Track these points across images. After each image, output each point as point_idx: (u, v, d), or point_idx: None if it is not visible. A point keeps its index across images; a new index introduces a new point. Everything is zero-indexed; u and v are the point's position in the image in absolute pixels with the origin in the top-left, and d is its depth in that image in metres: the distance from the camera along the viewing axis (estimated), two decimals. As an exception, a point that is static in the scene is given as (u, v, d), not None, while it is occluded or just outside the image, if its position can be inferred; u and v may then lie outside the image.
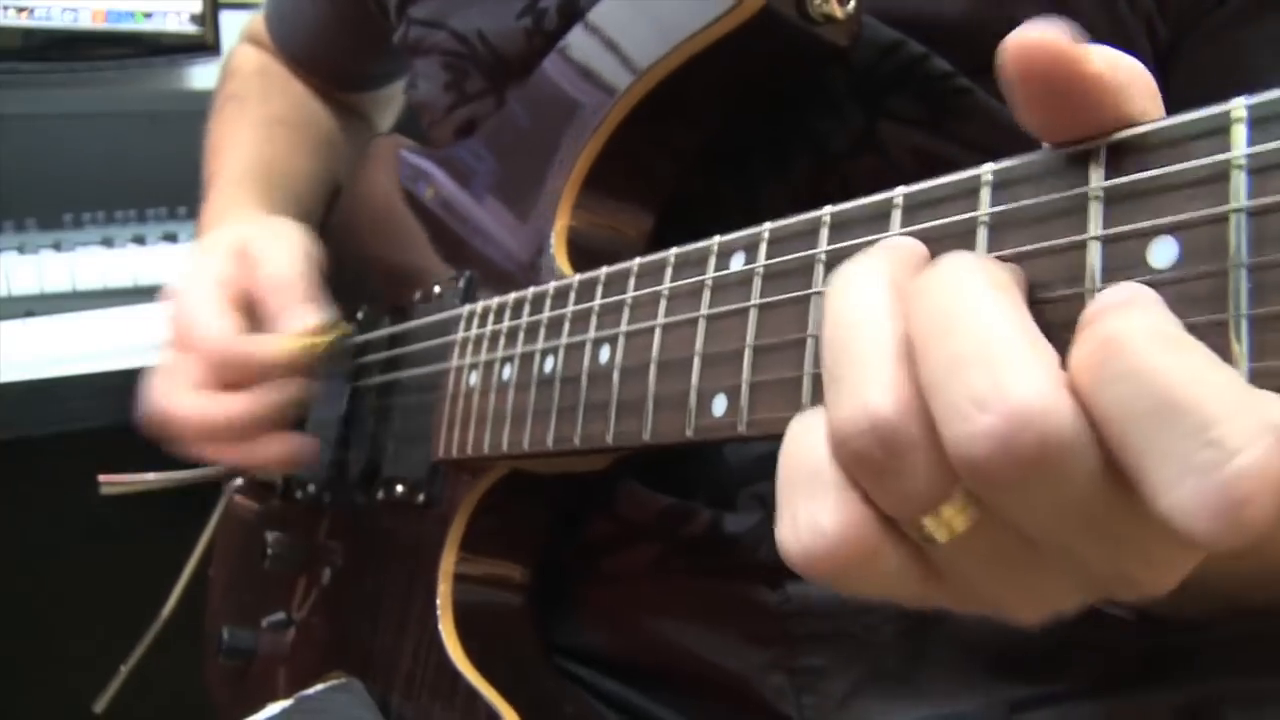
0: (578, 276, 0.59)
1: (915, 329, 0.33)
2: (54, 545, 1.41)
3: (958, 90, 0.62)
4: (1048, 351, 0.31)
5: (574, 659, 0.74)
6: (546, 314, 0.60)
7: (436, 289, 0.77)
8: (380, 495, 0.77)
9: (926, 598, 0.36)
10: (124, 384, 1.10)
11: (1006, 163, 0.37)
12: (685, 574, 0.70)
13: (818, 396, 0.42)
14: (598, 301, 0.56)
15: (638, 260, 0.54)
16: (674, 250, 0.52)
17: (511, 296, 0.65)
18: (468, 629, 0.68)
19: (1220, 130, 0.31)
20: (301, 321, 0.76)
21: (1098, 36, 0.62)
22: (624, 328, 0.54)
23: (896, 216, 0.40)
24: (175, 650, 0.99)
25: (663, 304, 0.51)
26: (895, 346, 0.33)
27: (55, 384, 1.10)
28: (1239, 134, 0.30)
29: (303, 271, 0.79)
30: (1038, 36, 0.32)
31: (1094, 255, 0.33)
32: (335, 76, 1.06)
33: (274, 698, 0.77)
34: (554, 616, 0.74)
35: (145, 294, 1.29)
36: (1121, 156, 0.33)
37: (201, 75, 1.52)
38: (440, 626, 0.68)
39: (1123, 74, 0.33)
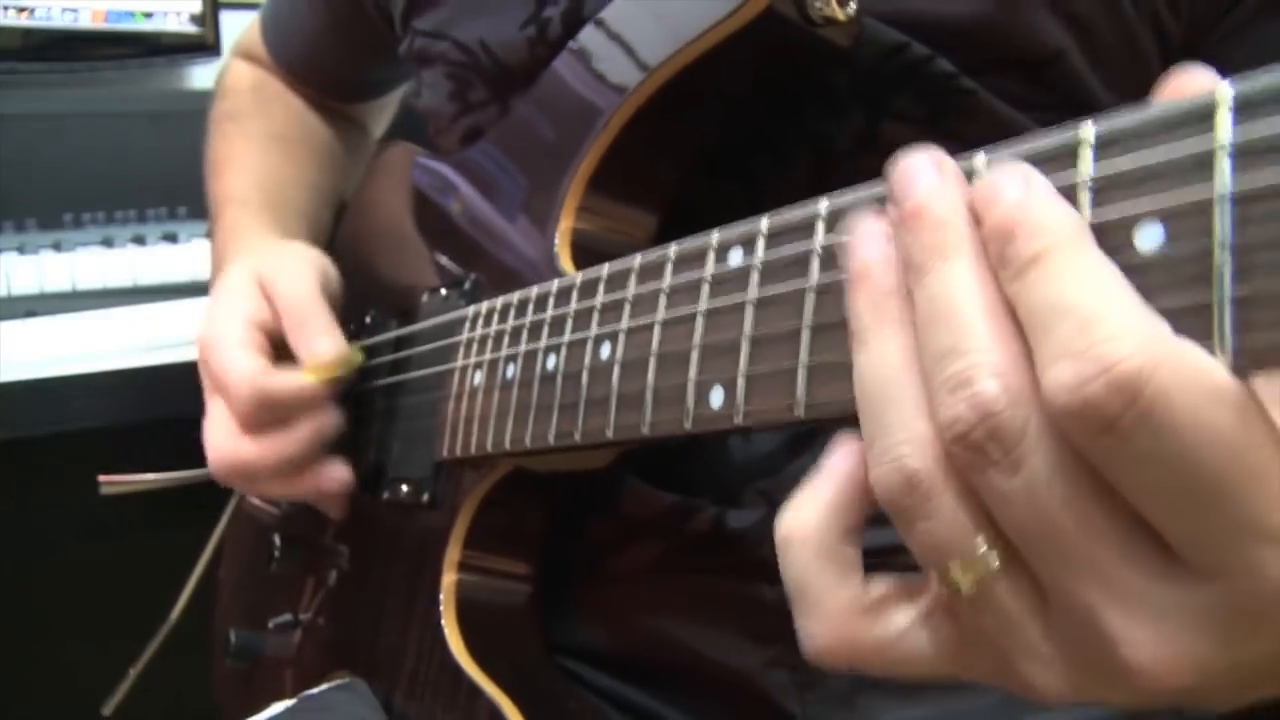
0: (580, 275, 0.59)
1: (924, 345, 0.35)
2: (54, 545, 1.41)
3: (961, 91, 0.62)
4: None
5: (576, 657, 0.74)
6: (550, 312, 0.61)
7: (443, 291, 0.77)
8: (385, 496, 0.78)
9: (956, 667, 0.38)
10: (124, 384, 1.11)
11: (1000, 150, 0.37)
12: (688, 572, 0.70)
13: (813, 388, 0.42)
14: (599, 299, 0.57)
15: (639, 257, 0.55)
16: (674, 246, 0.52)
17: (515, 296, 0.65)
18: (471, 626, 0.68)
19: (1205, 116, 0.31)
20: (321, 352, 0.77)
21: (1098, 34, 0.63)
22: (625, 324, 0.54)
23: (891, 209, 0.40)
24: (184, 652, 0.99)
25: (662, 300, 0.52)
26: (918, 394, 0.35)
27: (55, 384, 1.11)
28: (1224, 119, 0.30)
29: (320, 299, 0.79)
30: None
31: None
32: (332, 86, 1.06)
33: (280, 699, 0.77)
34: (557, 615, 0.74)
35: (145, 294, 1.30)
36: (1110, 145, 0.33)
37: (201, 75, 1.53)
38: (443, 623, 0.68)
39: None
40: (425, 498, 0.73)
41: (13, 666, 1.41)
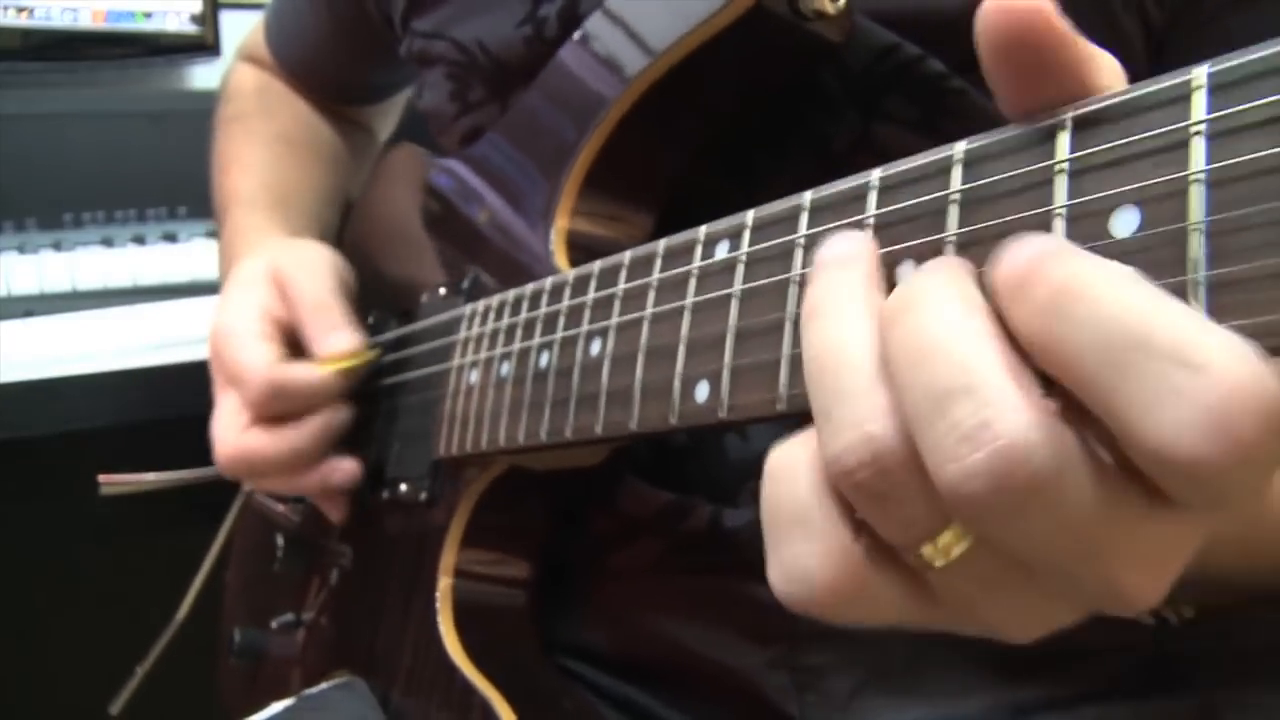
0: (572, 272, 0.59)
1: (893, 357, 0.32)
2: (55, 545, 1.41)
3: (952, 91, 0.61)
4: (1028, 377, 0.30)
5: (576, 656, 0.74)
6: (543, 310, 0.61)
7: (442, 291, 0.77)
8: (385, 495, 0.78)
9: (925, 622, 0.36)
10: (124, 384, 1.11)
11: (979, 140, 0.37)
12: (687, 571, 0.70)
13: (795, 380, 0.42)
14: (590, 295, 0.56)
15: (629, 253, 0.54)
16: (663, 241, 0.52)
17: (511, 294, 0.65)
18: (466, 624, 0.68)
19: (1181, 98, 0.30)
20: (336, 345, 0.77)
21: (1081, 24, 0.62)
22: (615, 320, 0.54)
23: (873, 198, 0.40)
24: (190, 652, 0.99)
25: (651, 295, 0.51)
26: (879, 371, 0.32)
27: (55, 384, 1.10)
28: (1199, 101, 0.30)
29: (335, 294, 0.79)
30: None
31: (1058, 228, 0.33)
32: (336, 90, 1.06)
33: (284, 698, 0.77)
34: (557, 614, 0.73)
35: (145, 294, 1.30)
36: (1087, 128, 0.33)
37: (201, 75, 1.53)
38: (439, 621, 0.68)
39: (1091, 45, 0.33)
40: (423, 496, 0.73)
41: (15, 667, 1.41)
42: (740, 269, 0.46)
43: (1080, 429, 0.30)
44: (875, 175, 0.40)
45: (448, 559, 0.69)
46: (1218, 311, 0.28)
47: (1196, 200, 0.29)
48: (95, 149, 1.44)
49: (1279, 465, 0.27)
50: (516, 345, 0.62)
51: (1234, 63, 0.30)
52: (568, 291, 0.59)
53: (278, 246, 0.86)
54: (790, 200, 0.44)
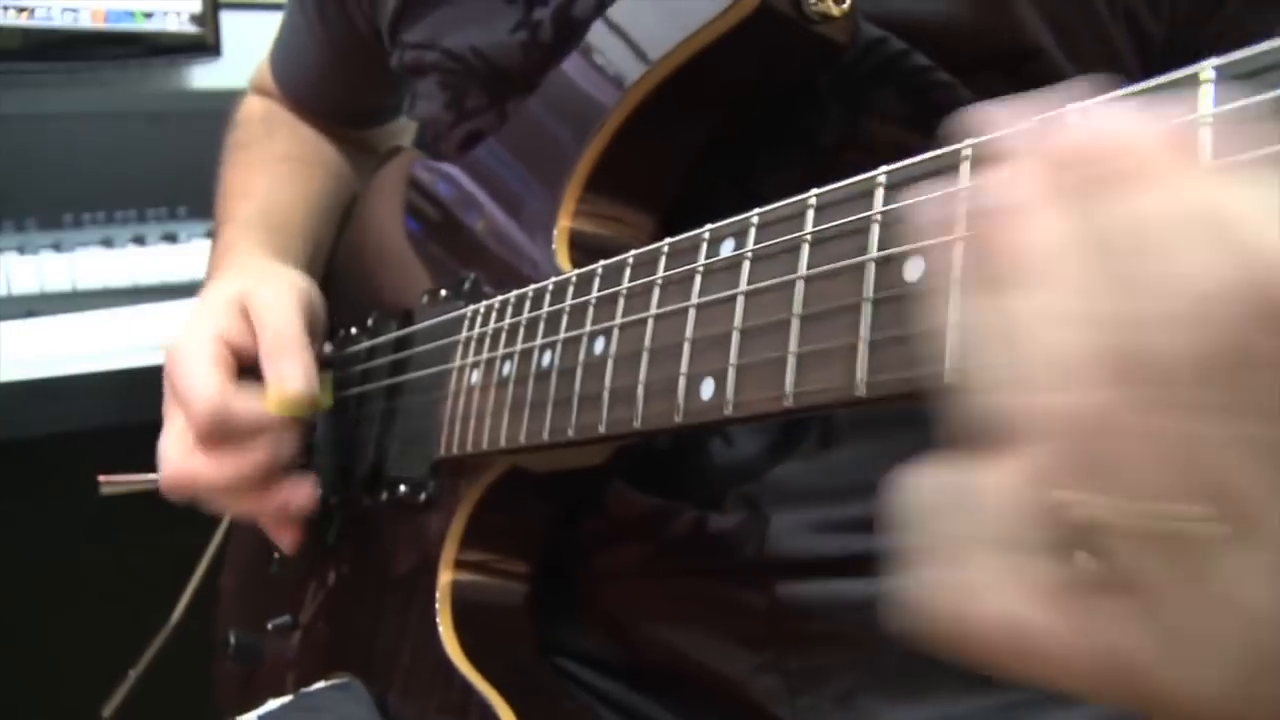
0: (575, 271, 0.59)
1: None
2: (54, 546, 1.41)
3: (940, 85, 0.62)
4: None
5: (572, 658, 0.73)
6: (546, 309, 0.61)
7: (442, 292, 0.77)
8: (384, 496, 0.78)
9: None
10: (124, 384, 1.10)
11: (984, 138, 0.37)
12: (673, 574, 0.70)
13: (801, 377, 0.42)
14: (594, 295, 0.57)
15: (633, 252, 0.55)
16: (668, 240, 0.52)
17: (513, 294, 0.65)
18: (465, 624, 0.68)
19: (1189, 92, 0.31)
20: (287, 380, 0.76)
21: (1074, 32, 0.63)
22: (618, 319, 0.54)
23: (879, 195, 0.40)
24: (185, 655, 0.99)
25: (656, 293, 0.52)
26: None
27: (55, 384, 1.10)
28: (1206, 94, 0.30)
29: (299, 331, 0.78)
30: None
31: None
32: (341, 115, 1.06)
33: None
34: (554, 616, 0.73)
35: (145, 294, 1.30)
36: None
37: (201, 75, 1.52)
38: (438, 621, 0.68)
39: None
40: (423, 497, 0.73)
41: (12, 667, 1.41)
42: (746, 267, 0.46)
43: None
44: (881, 173, 0.41)
45: (447, 558, 0.69)
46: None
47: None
48: (95, 149, 1.43)
49: None
50: (519, 345, 0.62)
51: (1240, 56, 0.30)
52: (571, 291, 0.59)
53: (254, 272, 0.86)
54: (795, 198, 0.45)
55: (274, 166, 1.00)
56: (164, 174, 1.42)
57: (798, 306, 0.42)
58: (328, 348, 0.86)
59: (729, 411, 0.45)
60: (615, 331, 0.54)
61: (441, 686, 0.67)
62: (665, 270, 0.52)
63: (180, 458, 0.76)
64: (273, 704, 0.76)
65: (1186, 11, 0.61)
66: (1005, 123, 0.32)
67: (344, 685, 0.77)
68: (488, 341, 0.66)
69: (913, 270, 0.38)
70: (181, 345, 0.78)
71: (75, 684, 1.05)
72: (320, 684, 0.78)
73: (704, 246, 0.49)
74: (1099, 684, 0.28)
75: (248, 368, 0.78)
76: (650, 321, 0.51)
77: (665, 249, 0.52)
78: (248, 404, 0.75)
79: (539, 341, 0.60)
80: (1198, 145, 0.29)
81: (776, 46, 0.60)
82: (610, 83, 0.65)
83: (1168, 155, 0.28)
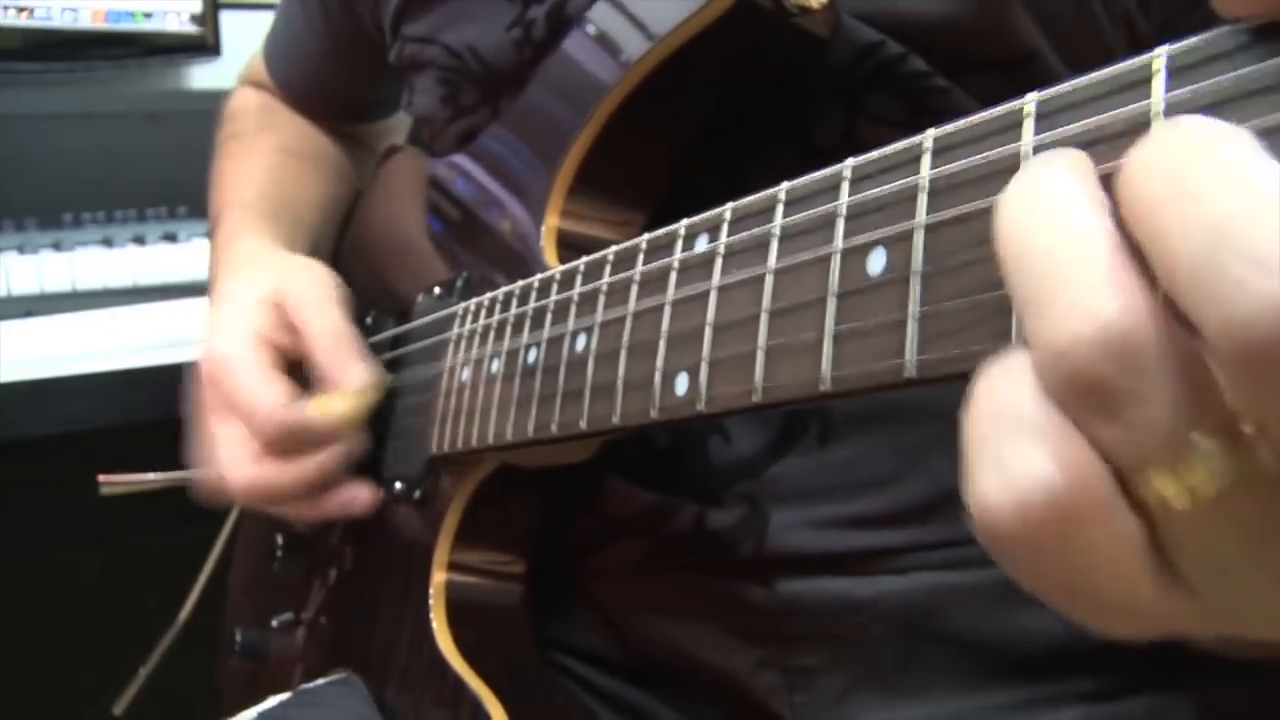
0: (559, 268, 0.59)
1: (1144, 210, 0.26)
2: (54, 546, 1.41)
3: (935, 90, 0.61)
4: None
5: (570, 653, 0.74)
6: (531, 306, 0.61)
7: (436, 290, 0.77)
8: (384, 494, 0.77)
9: (1157, 603, 0.28)
10: (124, 384, 1.10)
11: (947, 128, 0.36)
12: (674, 570, 0.70)
13: (771, 371, 0.42)
14: (576, 291, 0.56)
15: (614, 248, 0.54)
16: (646, 236, 0.52)
17: (501, 291, 0.65)
18: (459, 621, 0.68)
19: (1142, 81, 0.30)
20: (357, 381, 0.75)
21: (1066, 33, 0.62)
22: (599, 316, 0.54)
23: (845, 188, 0.40)
24: (193, 653, 0.99)
25: (634, 289, 0.51)
26: (1112, 243, 0.26)
27: (55, 384, 1.10)
28: (1159, 84, 0.30)
29: (347, 324, 0.77)
30: None
31: None
32: (337, 109, 1.05)
33: (284, 697, 0.78)
34: (552, 612, 0.73)
35: (145, 294, 1.30)
36: (1053, 114, 0.33)
37: (201, 75, 1.51)
38: (432, 618, 0.68)
39: None
40: (417, 495, 0.73)
41: (16, 668, 1.42)
42: (719, 262, 0.46)
43: None
44: (848, 165, 0.40)
45: (441, 556, 0.69)
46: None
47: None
48: (95, 149, 1.44)
49: None
50: (506, 343, 0.62)
51: (1191, 43, 0.29)
52: (555, 287, 0.59)
53: (276, 265, 0.84)
54: (766, 192, 0.44)
55: (274, 157, 0.99)
56: (164, 173, 1.41)
57: (766, 301, 0.42)
58: None
59: (702, 407, 0.45)
60: (595, 329, 0.54)
61: (435, 683, 0.67)
62: (643, 265, 0.51)
63: (248, 467, 0.75)
64: (272, 700, 0.76)
65: (1173, 7, 0.61)
66: None
67: (343, 680, 0.77)
68: (477, 339, 0.66)
69: (875, 263, 0.37)
70: (223, 350, 0.76)
71: (77, 685, 1.06)
72: (320, 680, 0.78)
73: (679, 241, 0.49)
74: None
75: (290, 367, 0.77)
76: (629, 318, 0.51)
77: (643, 244, 0.52)
78: (320, 415, 0.74)
79: (525, 339, 0.60)
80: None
81: (757, 40, 0.59)
82: (610, 63, 0.64)
83: None
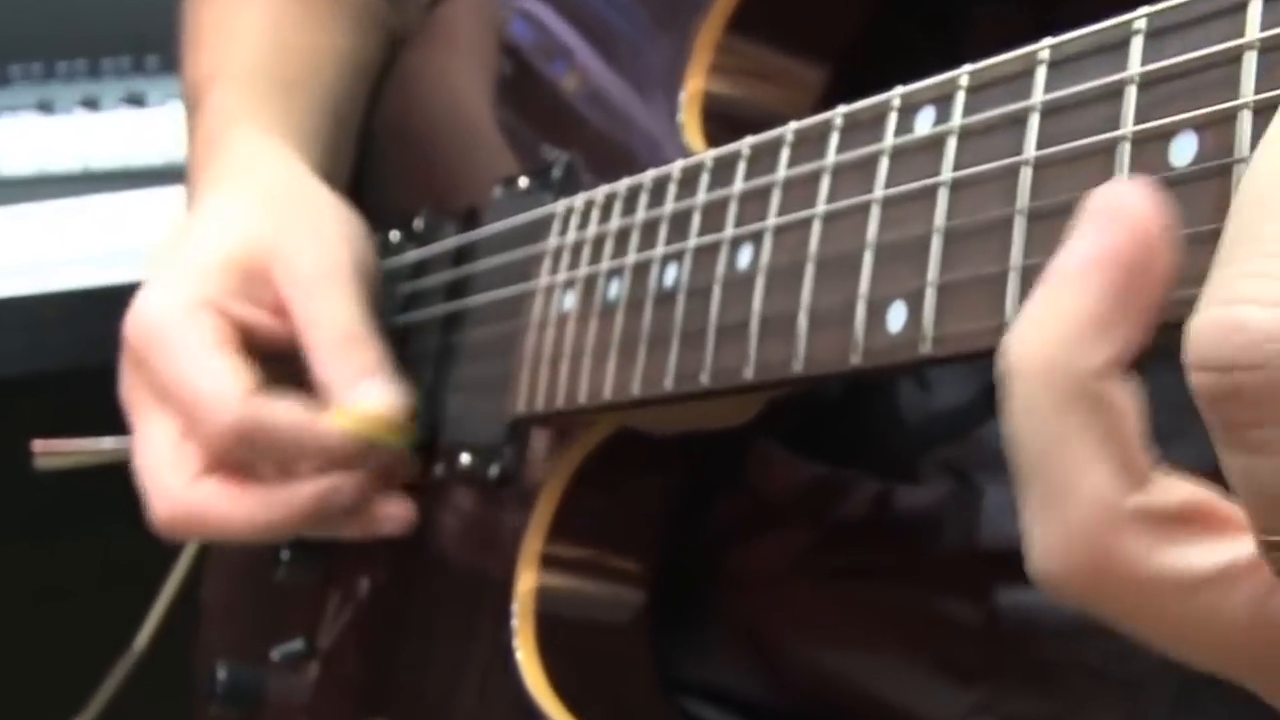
0: (711, 153, 0.63)
1: None
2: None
3: None
4: None
5: (703, 696, 0.77)
6: (669, 207, 0.64)
7: (522, 181, 0.80)
8: (439, 470, 0.81)
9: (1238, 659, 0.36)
10: (66, 313, 1.11)
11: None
12: (847, 576, 0.73)
13: (1027, 297, 0.45)
14: (738, 186, 0.60)
15: (793, 126, 0.58)
16: (840, 110, 0.55)
17: (622, 185, 0.68)
18: (555, 650, 0.72)
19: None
20: (368, 403, 0.78)
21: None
22: (772, 220, 0.57)
23: (1137, 44, 0.43)
24: (153, 695, 1.03)
25: (824, 184, 0.55)
26: None
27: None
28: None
29: (364, 315, 0.81)
30: None
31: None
32: None
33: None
34: (679, 637, 0.77)
35: (98, 181, 1.32)
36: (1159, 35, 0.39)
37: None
38: (516, 646, 0.72)
39: None
40: (494, 472, 0.76)
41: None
42: (951, 145, 0.49)
43: None
44: (1142, 14, 0.43)
45: (530, 555, 0.73)
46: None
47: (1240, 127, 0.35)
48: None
49: None
50: (630, 257, 0.66)
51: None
52: (705, 179, 0.62)
53: (272, 195, 0.86)
54: (1019, 52, 0.47)
55: (275, 2, 1.01)
56: (126, 10, 1.44)
57: (1023, 200, 0.45)
58: None
59: (927, 349, 0.48)
60: (767, 237, 0.57)
61: (518, 737, 0.71)
62: (838, 151, 0.55)
63: (180, 484, 0.78)
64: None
65: None
66: None
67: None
68: (586, 251, 0.70)
69: (1182, 151, 0.41)
70: (152, 315, 0.79)
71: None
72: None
73: (892, 117, 0.52)
74: None
75: (264, 354, 0.80)
76: (817, 222, 0.54)
77: (838, 121, 0.55)
78: (293, 418, 0.77)
79: (659, 251, 0.64)
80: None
81: None
82: None
83: None
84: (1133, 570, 0.34)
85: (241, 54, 0.96)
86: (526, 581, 0.74)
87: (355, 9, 1.04)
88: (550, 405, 0.71)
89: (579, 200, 0.72)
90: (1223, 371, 0.30)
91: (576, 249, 0.71)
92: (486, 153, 0.86)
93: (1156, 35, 0.43)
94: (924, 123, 0.51)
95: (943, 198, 0.49)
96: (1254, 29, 0.39)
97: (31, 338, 1.17)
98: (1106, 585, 0.35)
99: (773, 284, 0.57)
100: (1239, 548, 0.34)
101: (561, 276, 0.72)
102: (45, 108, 1.44)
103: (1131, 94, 0.43)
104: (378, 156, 0.88)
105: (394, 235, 0.91)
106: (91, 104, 1.45)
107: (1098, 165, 0.43)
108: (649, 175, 0.67)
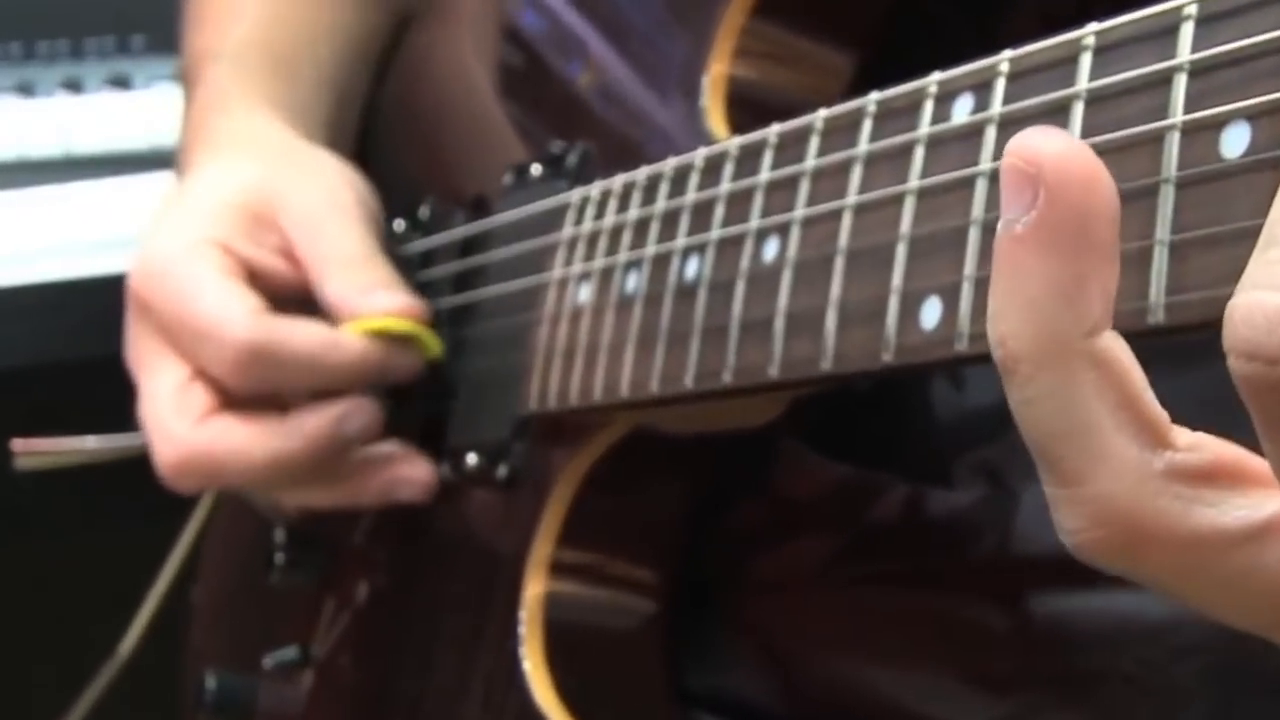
0: (736, 140, 0.63)
1: None
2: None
3: None
4: None
5: (720, 710, 0.77)
6: (691, 196, 0.65)
7: (535, 169, 0.81)
8: (445, 471, 0.82)
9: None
10: (48, 303, 1.11)
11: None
12: (873, 581, 0.74)
13: None
14: (765, 175, 0.60)
15: (823, 113, 0.58)
16: (874, 96, 0.56)
17: (642, 173, 0.69)
18: (564, 658, 0.73)
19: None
20: (379, 305, 0.79)
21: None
22: (800, 211, 0.58)
23: (1187, 30, 0.43)
24: (139, 703, 1.03)
25: (856, 173, 0.55)
26: None
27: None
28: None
29: (373, 243, 0.82)
30: None
31: None
32: None
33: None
34: (695, 648, 0.77)
35: (81, 167, 1.32)
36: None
37: None
38: (523, 655, 0.73)
39: None
40: (502, 472, 0.76)
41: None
42: (991, 134, 0.49)
43: None
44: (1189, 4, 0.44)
45: (540, 560, 0.74)
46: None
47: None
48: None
49: None
50: (650, 249, 0.67)
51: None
52: (729, 168, 0.63)
53: (274, 152, 0.87)
54: (1063, 37, 0.48)
55: None
56: None
57: None
58: None
59: (963, 346, 0.49)
60: (795, 228, 0.58)
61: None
62: (870, 140, 0.55)
63: (188, 426, 0.79)
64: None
65: None
66: None
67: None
68: (603, 242, 0.70)
69: (1234, 142, 0.41)
70: (160, 256, 0.80)
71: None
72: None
73: (928, 105, 0.53)
74: None
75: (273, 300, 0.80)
76: (848, 214, 0.55)
77: (871, 108, 0.55)
78: (307, 333, 0.78)
79: (680, 243, 0.64)
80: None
81: None
82: None
83: None
84: (1172, 531, 0.35)
85: (238, 30, 0.97)
86: (535, 588, 0.74)
87: None
88: (563, 402, 0.71)
89: (595, 189, 0.72)
90: (1268, 363, 0.31)
91: (593, 239, 0.71)
92: (494, 140, 0.87)
93: (1207, 21, 0.43)
94: (962, 110, 0.51)
95: (981, 188, 0.49)
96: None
97: (10, 331, 1.17)
98: (1147, 550, 0.36)
99: (800, 278, 0.57)
100: (1274, 503, 0.35)
101: (577, 268, 0.72)
102: (25, 90, 1.44)
103: (1181, 82, 0.43)
104: (383, 137, 0.89)
105: (399, 224, 0.91)
106: (74, 86, 1.45)
107: (1146, 155, 0.44)
108: (670, 163, 0.67)
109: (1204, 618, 0.65)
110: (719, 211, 0.63)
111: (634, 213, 0.68)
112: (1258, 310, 0.31)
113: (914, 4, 0.70)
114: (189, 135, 0.94)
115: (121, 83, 1.46)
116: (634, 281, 0.67)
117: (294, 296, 0.81)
